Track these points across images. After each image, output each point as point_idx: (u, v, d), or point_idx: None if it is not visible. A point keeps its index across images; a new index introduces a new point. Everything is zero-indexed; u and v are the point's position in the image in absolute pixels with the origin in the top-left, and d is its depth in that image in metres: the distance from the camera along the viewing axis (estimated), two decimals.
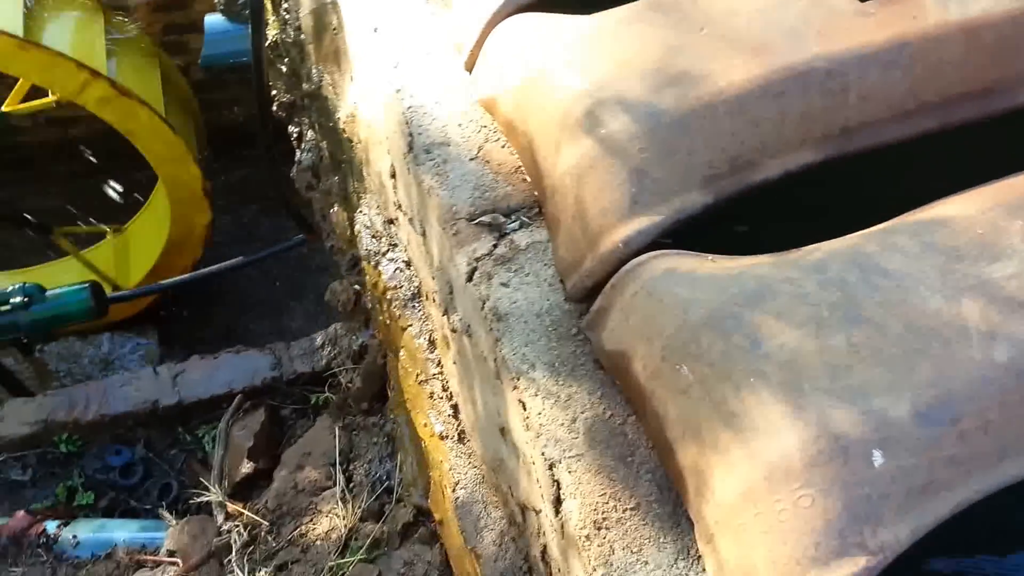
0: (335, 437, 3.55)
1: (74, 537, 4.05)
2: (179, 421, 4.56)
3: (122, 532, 4.07)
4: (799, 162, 1.88)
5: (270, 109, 4.85)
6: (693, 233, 1.85)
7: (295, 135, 5.15)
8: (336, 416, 3.63)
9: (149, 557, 3.78)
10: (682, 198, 1.83)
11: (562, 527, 1.82)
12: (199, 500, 3.76)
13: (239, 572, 3.17)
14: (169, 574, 3.58)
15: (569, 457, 1.78)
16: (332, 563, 3.09)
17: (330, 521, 3.25)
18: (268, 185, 7.31)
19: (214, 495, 3.61)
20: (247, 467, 3.98)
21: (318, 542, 3.20)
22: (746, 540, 1.51)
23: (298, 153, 4.96)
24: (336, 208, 4.20)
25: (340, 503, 3.27)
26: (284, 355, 4.60)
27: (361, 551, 3.08)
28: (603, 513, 1.72)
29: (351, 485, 3.34)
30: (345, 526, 3.18)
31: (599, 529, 1.71)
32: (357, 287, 4.06)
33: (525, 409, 1.85)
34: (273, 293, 7.17)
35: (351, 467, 3.40)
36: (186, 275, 6.16)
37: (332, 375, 4.13)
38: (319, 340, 4.50)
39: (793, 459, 1.47)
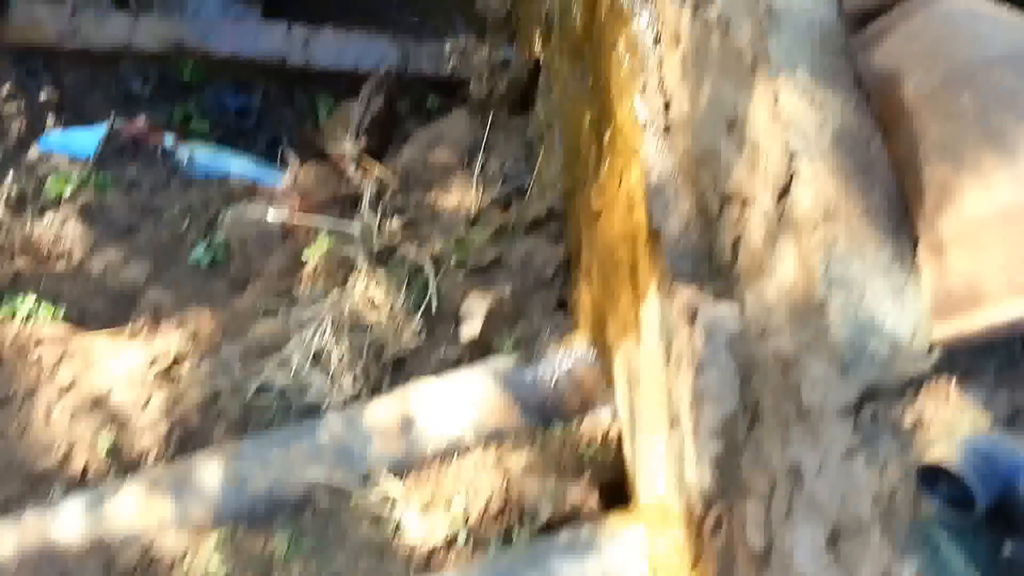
0: (471, 128, 3.59)
1: (190, 155, 4.12)
2: (300, 84, 4.58)
3: (236, 164, 4.15)
4: None
5: None
6: None
7: None
8: (475, 111, 3.66)
9: (265, 189, 3.88)
10: None
11: (781, 214, 1.90)
12: (329, 147, 3.83)
13: (370, 216, 3.28)
14: (284, 209, 3.69)
15: (812, 151, 1.85)
16: (460, 233, 3.20)
17: (459, 198, 3.35)
18: None
19: (349, 147, 3.68)
20: (363, 142, 4.03)
21: (446, 212, 3.31)
22: (984, 253, 1.60)
23: None
24: None
25: (471, 185, 3.36)
26: (412, 51, 4.53)
27: (487, 231, 3.19)
28: (834, 206, 1.81)
29: (482, 174, 3.41)
30: (474, 206, 3.28)
31: (827, 220, 1.80)
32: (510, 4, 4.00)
33: (777, 102, 1.90)
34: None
35: (485, 159, 3.46)
36: None
37: (459, 83, 4.10)
38: (448, 48, 4.43)
39: None
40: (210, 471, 2.84)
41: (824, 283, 1.78)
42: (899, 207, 1.80)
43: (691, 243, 2.22)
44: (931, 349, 1.68)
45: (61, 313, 3.51)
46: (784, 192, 1.90)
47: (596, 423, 2.78)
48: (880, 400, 1.71)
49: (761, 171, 1.97)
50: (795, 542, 1.88)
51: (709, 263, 2.18)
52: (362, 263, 3.18)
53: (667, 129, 2.33)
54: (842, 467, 1.74)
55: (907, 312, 1.73)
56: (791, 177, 1.88)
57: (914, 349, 1.70)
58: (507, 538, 2.72)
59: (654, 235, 2.27)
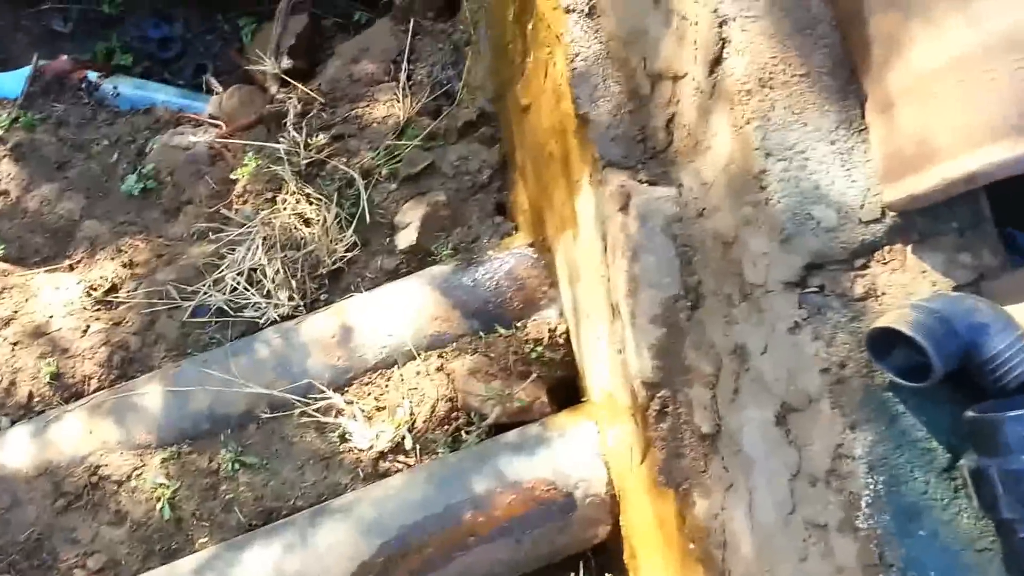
0: (396, 37, 3.27)
1: (115, 88, 3.79)
2: (220, 7, 4.19)
3: (162, 94, 3.81)
4: None
5: None
6: None
7: None
8: (399, 19, 3.33)
9: (191, 116, 3.54)
10: None
11: (713, 87, 1.67)
12: (252, 68, 3.48)
13: (295, 134, 2.98)
14: (211, 134, 3.36)
15: (746, 16, 1.61)
16: (389, 143, 2.92)
17: (387, 109, 3.05)
18: None
19: (270, 66, 3.34)
20: (286, 62, 3.67)
21: (374, 124, 3.02)
22: (934, 107, 1.38)
23: None
24: None
25: (398, 96, 3.05)
26: None
27: (418, 139, 2.91)
28: (770, 73, 1.58)
29: (411, 83, 3.11)
30: (403, 115, 2.99)
31: (763, 87, 1.57)
32: None
33: None
34: None
35: (412, 67, 3.16)
36: None
37: None
38: None
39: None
40: (151, 393, 2.62)
41: (761, 154, 1.56)
42: (845, 67, 1.57)
43: (622, 128, 1.97)
44: (883, 214, 1.48)
45: (0, 250, 3.23)
46: (716, 62, 1.66)
47: (541, 323, 2.56)
48: (827, 270, 1.51)
49: (690, 43, 1.73)
50: (743, 422, 1.69)
51: (643, 146, 1.94)
52: (290, 180, 2.89)
53: (591, 12, 2.06)
54: (787, 342, 1.55)
55: (855, 177, 1.52)
56: (722, 45, 1.64)
57: (864, 215, 1.49)
58: (456, 441, 2.52)
59: (582, 123, 2.02)
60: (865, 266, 1.48)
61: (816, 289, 1.50)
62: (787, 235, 1.52)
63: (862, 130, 1.53)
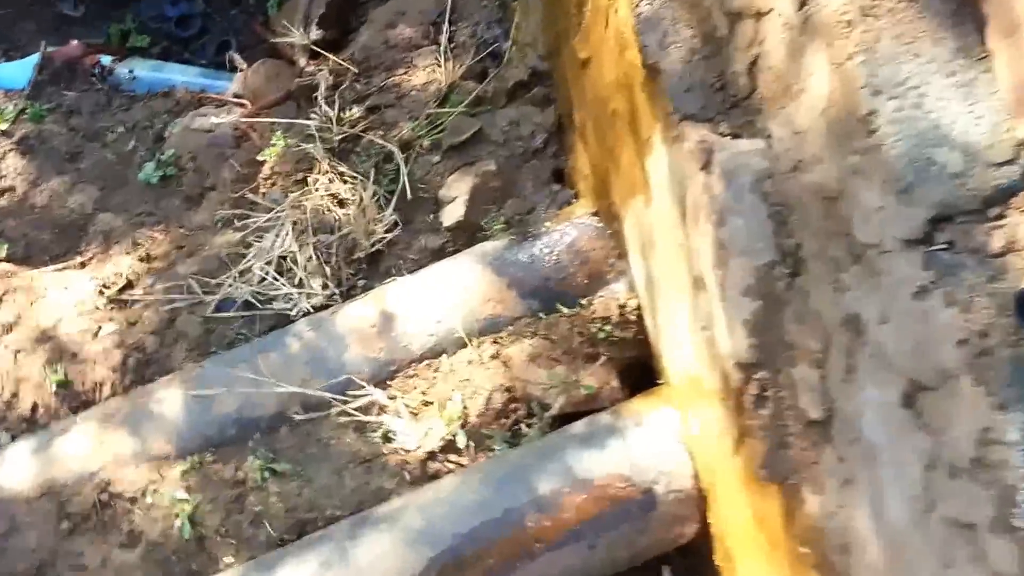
0: None
1: (130, 72, 3.77)
2: None
3: (182, 75, 3.77)
4: None
5: None
6: None
7: None
8: None
9: (213, 96, 3.47)
10: None
11: (805, 21, 1.53)
12: (278, 41, 3.40)
13: (327, 109, 2.89)
14: (235, 114, 3.29)
15: None
16: (430, 111, 2.82)
17: (428, 75, 2.96)
18: None
19: (298, 38, 3.25)
20: (316, 33, 3.57)
21: (414, 92, 2.92)
22: None
23: None
24: None
25: (439, 60, 2.95)
26: None
27: (462, 105, 2.80)
28: (873, 0, 1.43)
29: (453, 45, 3.01)
30: (445, 81, 2.89)
31: (865, 16, 1.45)
32: None
33: None
34: None
35: (454, 28, 3.05)
36: None
37: None
38: None
39: None
40: (170, 397, 2.53)
41: (868, 92, 1.42)
42: None
43: (697, 76, 1.85)
44: (1017, 153, 1.33)
45: (3, 251, 3.19)
46: None
47: (609, 299, 2.43)
48: (956, 223, 1.36)
49: None
50: (861, 405, 1.55)
51: (722, 95, 1.82)
52: (322, 159, 2.80)
53: None
54: (913, 310, 1.41)
55: (980, 112, 1.37)
56: None
57: (994, 156, 1.35)
58: (515, 436, 2.40)
59: (652, 73, 1.90)
60: (1001, 216, 1.34)
61: (945, 246, 1.36)
62: (905, 185, 1.39)
63: (983, 58, 1.39)
